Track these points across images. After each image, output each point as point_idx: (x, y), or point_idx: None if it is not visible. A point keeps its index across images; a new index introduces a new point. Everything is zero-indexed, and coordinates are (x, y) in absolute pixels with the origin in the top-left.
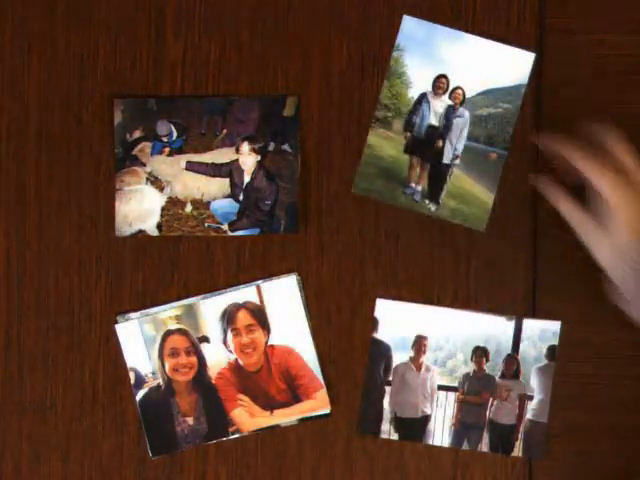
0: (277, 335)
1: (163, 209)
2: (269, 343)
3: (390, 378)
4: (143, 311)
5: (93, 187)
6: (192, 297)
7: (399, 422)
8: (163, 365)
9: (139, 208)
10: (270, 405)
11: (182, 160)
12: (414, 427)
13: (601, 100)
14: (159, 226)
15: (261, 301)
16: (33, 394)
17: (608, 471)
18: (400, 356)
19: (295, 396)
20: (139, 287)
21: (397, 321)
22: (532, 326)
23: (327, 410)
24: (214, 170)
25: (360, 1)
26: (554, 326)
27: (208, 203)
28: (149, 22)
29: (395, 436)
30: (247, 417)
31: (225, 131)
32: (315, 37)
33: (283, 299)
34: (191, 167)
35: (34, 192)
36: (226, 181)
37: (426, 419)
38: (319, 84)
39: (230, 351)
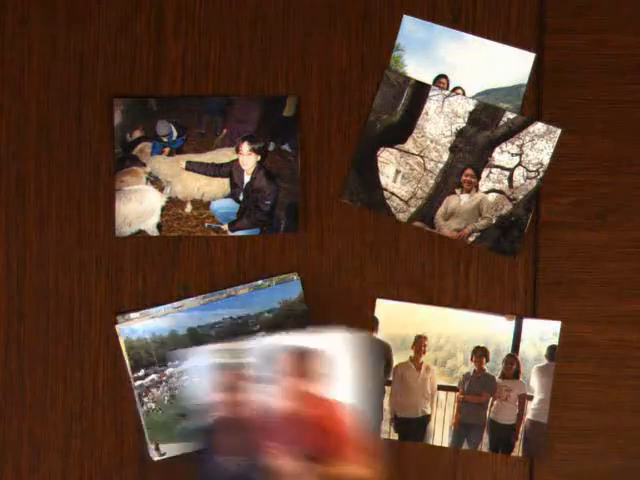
0: (331, 387)
1: (163, 209)
2: (320, 394)
3: (390, 378)
4: (143, 311)
5: (93, 187)
6: (192, 297)
7: (399, 422)
8: (216, 400)
9: (139, 208)
10: (304, 454)
11: (182, 160)
12: (414, 427)
13: (601, 100)
14: (159, 226)
15: (319, 351)
16: (33, 394)
17: (608, 471)
18: (400, 356)
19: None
20: (139, 287)
21: (397, 321)
22: (532, 326)
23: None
24: (214, 170)
25: (360, 1)
26: (554, 326)
27: (208, 203)
28: (149, 22)
29: (395, 436)
30: (291, 466)
31: (225, 131)
32: (315, 37)
33: (336, 353)
34: (191, 167)
35: (34, 192)
36: (226, 181)
37: (426, 419)
38: (319, 84)
39: (278, 395)
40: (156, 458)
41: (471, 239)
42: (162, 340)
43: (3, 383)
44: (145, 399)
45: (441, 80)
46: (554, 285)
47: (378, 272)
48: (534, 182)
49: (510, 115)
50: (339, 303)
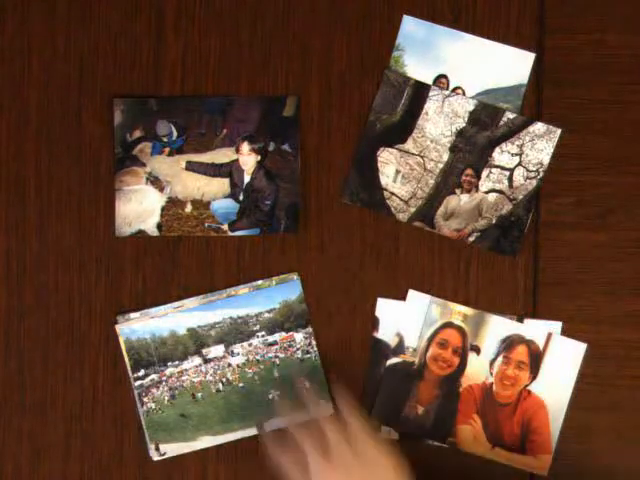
0: (540, 385)
1: (163, 209)
2: (528, 387)
3: None
4: (143, 311)
5: (93, 187)
6: (192, 297)
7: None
8: (427, 349)
9: (139, 208)
10: (495, 440)
11: (182, 160)
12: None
13: (601, 100)
14: (159, 226)
15: (545, 347)
16: (33, 394)
17: (608, 471)
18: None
19: (522, 446)
20: (139, 287)
21: (398, 320)
22: (532, 326)
23: (544, 473)
24: (214, 170)
25: (360, 1)
26: (554, 326)
27: (208, 203)
28: (149, 22)
29: (395, 436)
30: (470, 437)
31: (225, 131)
32: (315, 37)
33: (564, 358)
34: (191, 167)
35: (34, 192)
36: (226, 181)
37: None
38: (319, 84)
39: (491, 374)
40: (156, 458)
41: (471, 239)
42: (162, 340)
43: (3, 383)
44: (145, 399)
45: (441, 80)
46: (554, 285)
47: (378, 272)
48: (534, 182)
49: (510, 115)
50: (339, 303)
